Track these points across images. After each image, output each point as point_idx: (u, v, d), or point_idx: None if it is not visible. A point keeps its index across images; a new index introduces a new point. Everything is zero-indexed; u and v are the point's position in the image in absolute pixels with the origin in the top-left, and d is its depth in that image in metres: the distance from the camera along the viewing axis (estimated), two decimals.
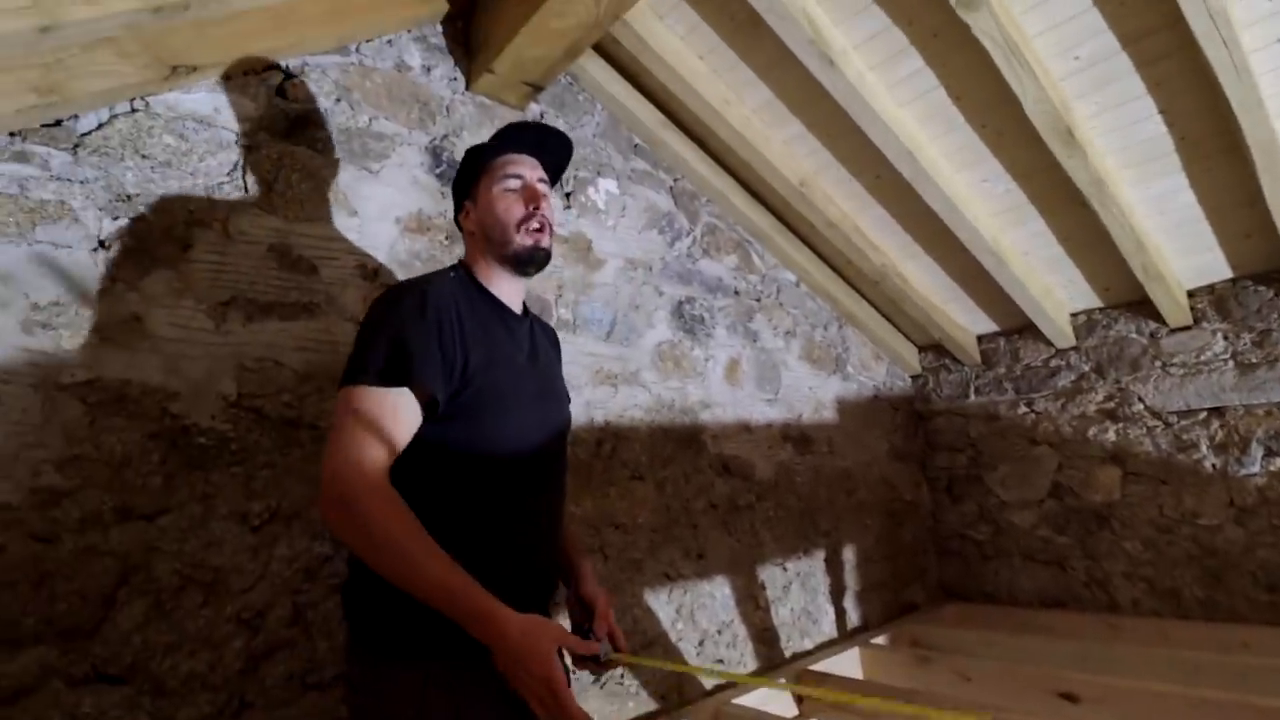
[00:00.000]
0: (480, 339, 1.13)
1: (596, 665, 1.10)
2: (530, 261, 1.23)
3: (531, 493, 1.18)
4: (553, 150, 1.31)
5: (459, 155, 1.87)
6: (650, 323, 2.29)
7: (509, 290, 1.26)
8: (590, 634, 1.18)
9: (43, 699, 1.15)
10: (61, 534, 1.20)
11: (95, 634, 1.21)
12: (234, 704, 1.33)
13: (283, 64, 1.60)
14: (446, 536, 0.98)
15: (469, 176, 1.28)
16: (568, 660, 1.10)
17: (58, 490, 1.20)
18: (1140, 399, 2.67)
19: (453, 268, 1.26)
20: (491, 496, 1.11)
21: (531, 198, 1.22)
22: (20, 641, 1.14)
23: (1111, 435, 2.74)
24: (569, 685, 0.96)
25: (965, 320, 3.08)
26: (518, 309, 1.28)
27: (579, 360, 2.03)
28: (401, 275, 1.70)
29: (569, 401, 1.37)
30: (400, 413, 1.03)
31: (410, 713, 1.01)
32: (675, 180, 2.47)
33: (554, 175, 1.33)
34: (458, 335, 1.09)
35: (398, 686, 1.02)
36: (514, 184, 1.23)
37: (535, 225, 1.21)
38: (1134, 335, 2.70)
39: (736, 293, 2.62)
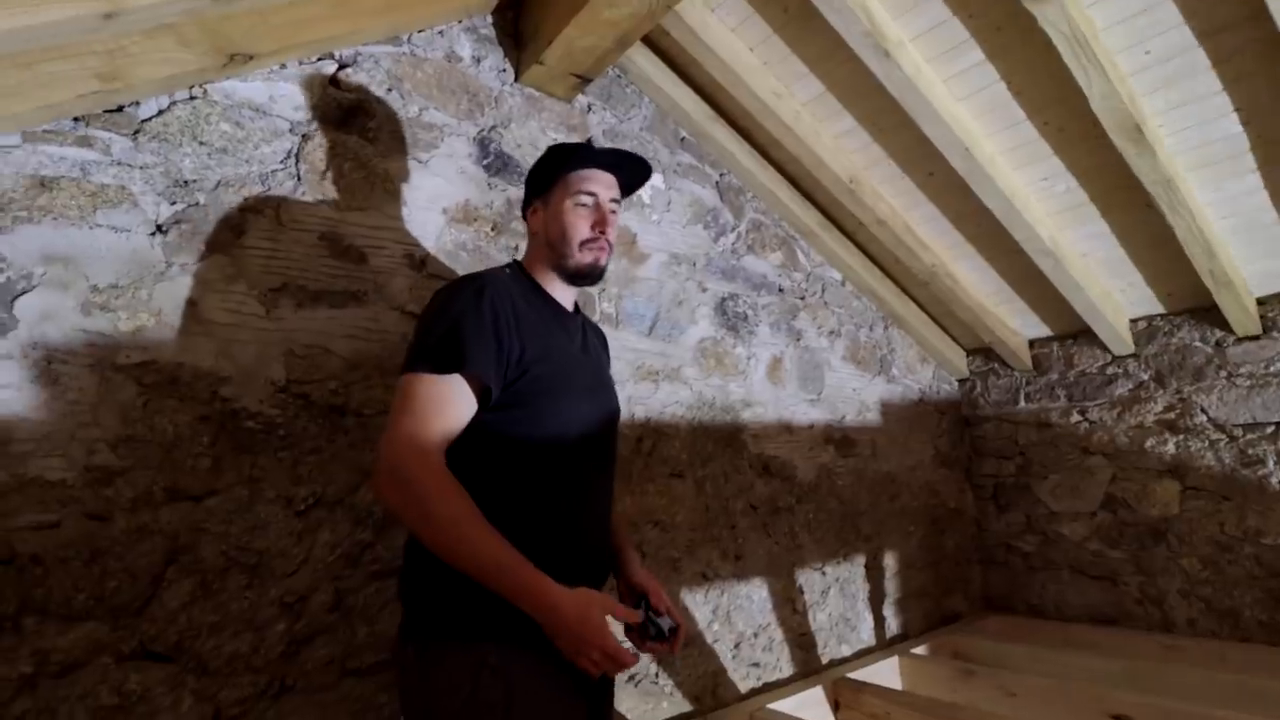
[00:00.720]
0: (535, 330, 1.17)
1: (644, 641, 1.18)
2: (585, 278, 1.29)
3: (585, 478, 1.21)
4: (630, 171, 1.34)
5: (506, 146, 1.87)
6: (693, 319, 2.26)
7: (562, 292, 1.31)
8: (648, 616, 1.19)
9: (92, 674, 1.17)
10: (114, 512, 1.22)
11: (143, 612, 1.23)
12: (275, 686, 1.34)
13: (337, 54, 1.61)
14: (502, 520, 1.02)
15: (546, 178, 1.30)
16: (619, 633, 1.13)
17: (111, 469, 1.22)
18: (1203, 410, 2.55)
19: (508, 266, 1.31)
20: (546, 481, 1.14)
21: (599, 221, 1.26)
22: (72, 617, 1.17)
23: (1171, 447, 2.62)
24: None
25: (1017, 324, 2.99)
26: (570, 308, 1.33)
27: (621, 355, 2.01)
28: (447, 265, 1.70)
29: (616, 400, 1.38)
30: (454, 398, 1.07)
31: (463, 694, 1.01)
32: (721, 175, 2.43)
33: (626, 192, 1.36)
34: (513, 326, 1.13)
35: (450, 668, 1.04)
36: (587, 200, 1.26)
37: (597, 246, 1.26)
38: (1198, 343, 2.58)
39: (780, 290, 2.58)
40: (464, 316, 1.10)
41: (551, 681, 1.06)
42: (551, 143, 1.88)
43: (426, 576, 1.10)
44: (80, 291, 1.23)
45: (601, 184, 1.28)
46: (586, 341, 1.34)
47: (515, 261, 1.34)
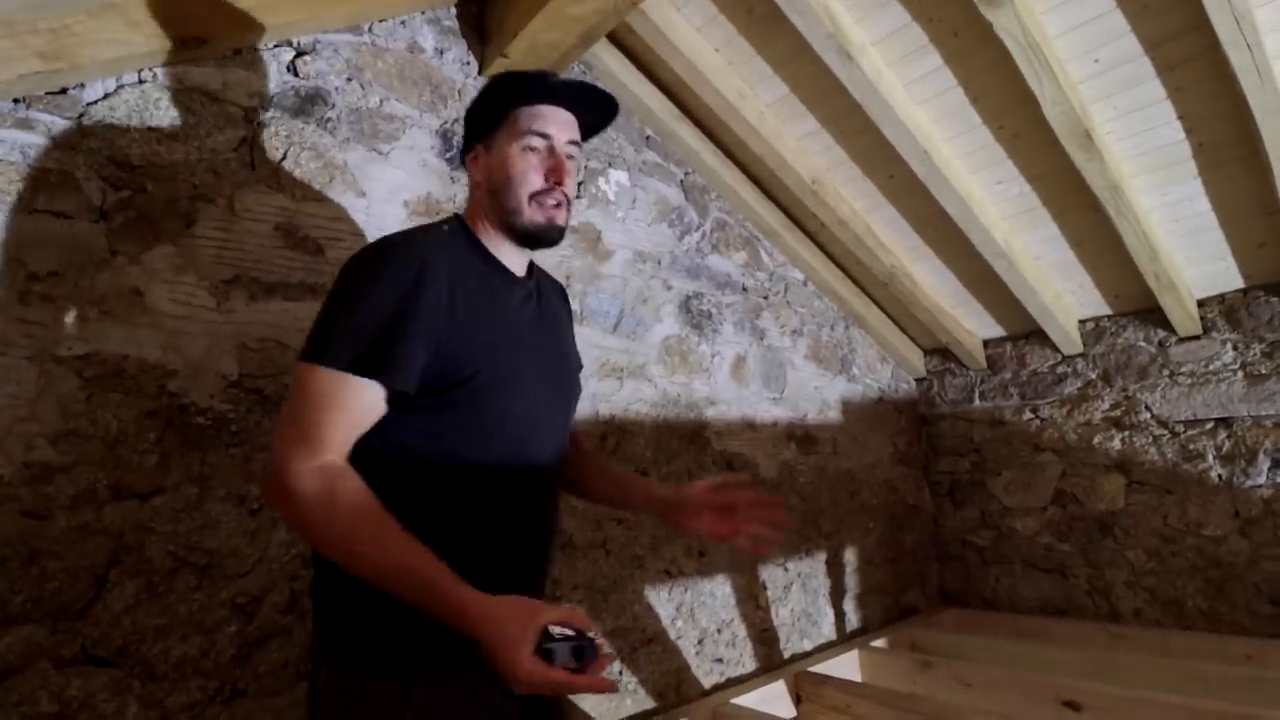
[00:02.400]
0: (478, 317, 0.98)
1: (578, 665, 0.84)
2: (539, 240, 1.05)
3: (531, 490, 1.05)
4: (593, 108, 1.09)
5: None
6: (658, 316, 2.26)
7: (510, 254, 1.08)
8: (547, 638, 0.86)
9: (30, 679, 1.12)
10: (54, 511, 1.17)
11: (85, 614, 1.18)
12: (225, 691, 1.30)
13: (295, 40, 1.57)
14: (429, 538, 0.87)
15: (489, 115, 1.06)
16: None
17: (51, 466, 1.17)
18: (1147, 408, 2.65)
19: (446, 222, 1.09)
20: (486, 494, 0.98)
21: (554, 169, 1.03)
22: (8, 620, 1.11)
23: (1117, 443, 2.72)
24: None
25: (972, 324, 3.06)
26: (521, 272, 1.11)
27: (586, 352, 1.98)
28: None
29: (580, 368, 1.24)
30: (361, 402, 0.90)
31: None
32: (686, 174, 2.44)
33: (587, 134, 1.12)
34: (449, 314, 0.94)
35: (368, 705, 0.91)
36: (538, 144, 1.03)
37: (552, 201, 1.03)
38: (1142, 343, 2.68)
39: (744, 289, 2.60)
40: (389, 301, 0.91)
41: (481, 710, 0.94)
42: None
43: (341, 590, 0.93)
44: (18, 279, 1.18)
45: (557, 123, 1.04)
46: (542, 310, 1.13)
47: (457, 216, 1.11)
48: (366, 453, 0.93)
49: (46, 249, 1.21)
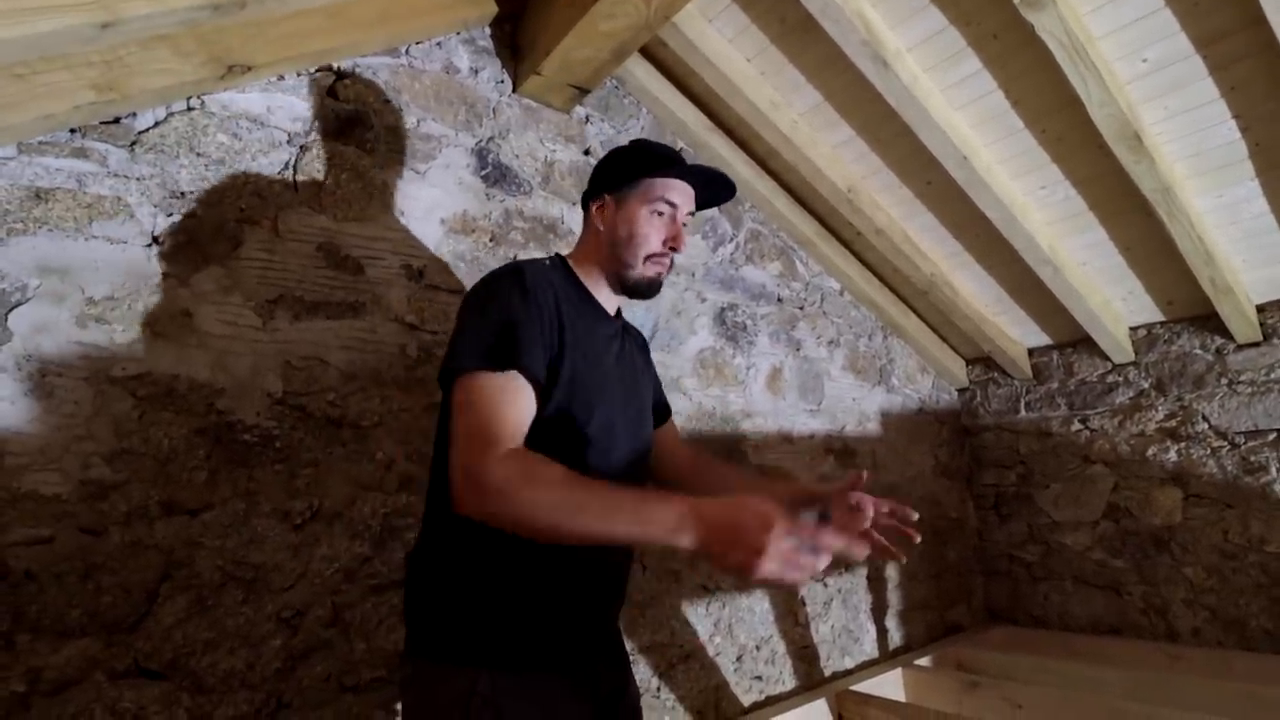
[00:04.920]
0: (575, 330, 1.09)
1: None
2: (641, 293, 1.19)
3: None
4: (710, 189, 1.23)
5: (504, 157, 1.87)
6: (692, 329, 2.25)
7: (606, 295, 1.22)
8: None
9: (85, 692, 1.15)
10: (108, 527, 1.20)
11: (138, 628, 1.21)
12: (271, 704, 1.32)
13: (335, 65, 1.61)
14: (514, 547, 0.96)
15: (625, 174, 1.19)
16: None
17: (106, 483, 1.21)
18: (1204, 418, 2.55)
19: (549, 259, 1.22)
20: None
21: (674, 236, 1.17)
22: (66, 634, 1.15)
23: (1173, 455, 2.61)
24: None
25: (1016, 333, 2.98)
26: (611, 312, 1.23)
27: None
28: (445, 277, 1.69)
29: (651, 417, 1.32)
30: (519, 395, 0.99)
31: (455, 718, 0.99)
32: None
33: (699, 207, 1.26)
34: (554, 323, 1.06)
35: (443, 692, 1.01)
36: (665, 210, 1.16)
37: (664, 263, 1.18)
38: (1198, 351, 2.58)
39: (779, 300, 2.57)
40: (511, 309, 1.02)
41: (544, 714, 1.02)
42: (548, 145, 1.88)
43: (427, 594, 1.08)
44: (75, 303, 1.22)
45: (682, 195, 1.18)
46: (624, 349, 1.24)
47: (558, 255, 1.24)
48: None
49: (101, 274, 1.25)
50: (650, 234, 1.15)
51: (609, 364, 1.16)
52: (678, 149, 2.30)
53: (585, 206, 1.24)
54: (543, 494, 0.88)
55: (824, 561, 0.80)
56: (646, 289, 1.18)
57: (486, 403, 0.96)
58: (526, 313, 1.03)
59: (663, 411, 1.41)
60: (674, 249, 1.17)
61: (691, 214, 1.21)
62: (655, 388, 1.39)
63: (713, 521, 0.82)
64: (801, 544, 0.79)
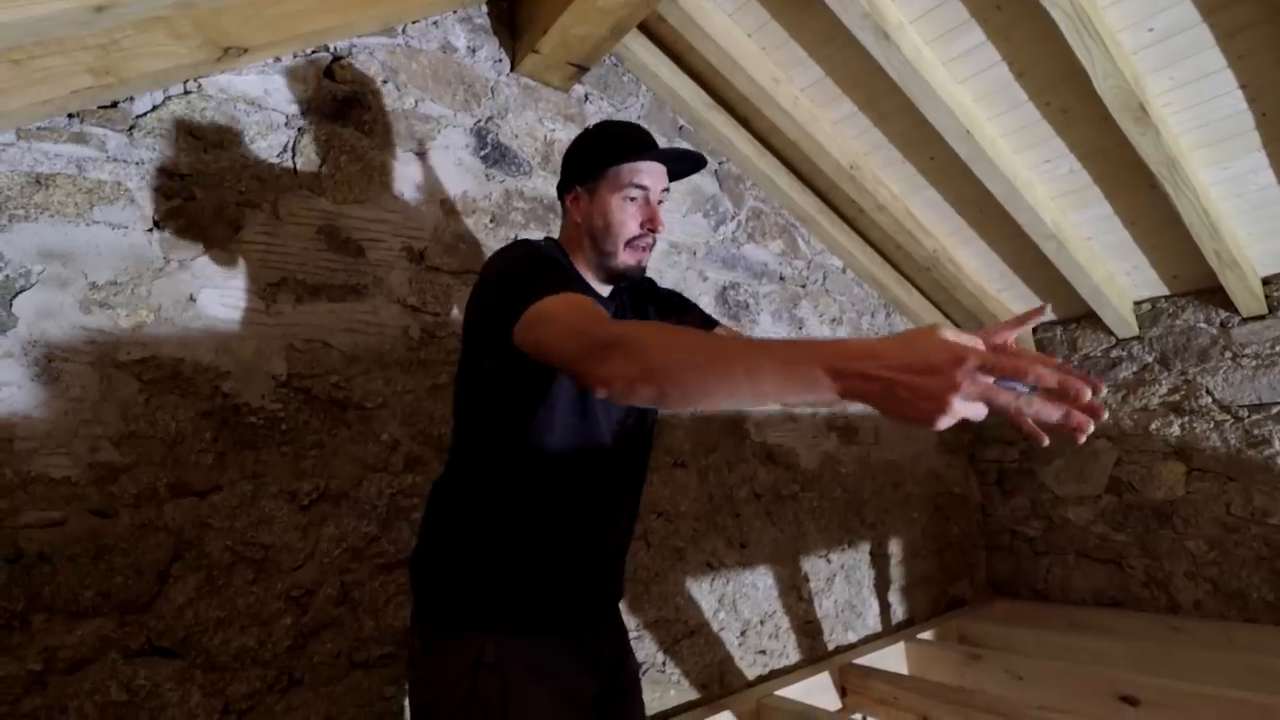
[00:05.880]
0: None
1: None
2: (624, 279, 1.19)
3: (607, 495, 1.16)
4: (681, 161, 1.22)
5: (503, 137, 1.86)
6: None
7: (597, 281, 1.21)
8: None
9: (100, 670, 1.17)
10: (118, 509, 1.22)
11: (150, 608, 1.23)
12: (283, 680, 1.35)
13: (331, 46, 1.59)
14: (515, 530, 1.01)
15: (592, 164, 1.17)
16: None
17: (114, 466, 1.22)
18: (1208, 391, 2.54)
19: (546, 241, 1.21)
20: (564, 497, 1.10)
21: (650, 218, 1.15)
22: (80, 614, 1.17)
23: (1176, 429, 2.61)
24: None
25: (1020, 308, 2.97)
26: (605, 294, 1.22)
27: None
28: (446, 258, 1.69)
29: None
30: (593, 304, 0.94)
31: (462, 690, 1.01)
32: (720, 163, 2.42)
33: (672, 179, 1.23)
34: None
35: (450, 662, 1.03)
36: (636, 194, 1.15)
37: (643, 245, 1.16)
38: (1203, 325, 2.57)
39: (782, 278, 2.57)
40: (547, 266, 1.05)
41: (550, 681, 1.04)
42: (549, 129, 1.87)
43: (434, 565, 1.11)
44: (79, 289, 1.23)
45: (652, 175, 1.16)
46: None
47: (553, 239, 1.23)
48: (486, 439, 1.07)
49: (103, 259, 1.26)
50: (625, 220, 1.14)
51: None
52: (678, 127, 2.30)
53: (560, 198, 1.24)
54: (675, 337, 0.80)
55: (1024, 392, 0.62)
56: (629, 275, 1.17)
57: (572, 304, 0.92)
58: (560, 269, 1.07)
59: (710, 325, 1.36)
60: (652, 230, 1.15)
61: (666, 190, 1.19)
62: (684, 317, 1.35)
63: (890, 360, 0.64)
64: (1001, 381, 0.62)
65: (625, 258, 1.15)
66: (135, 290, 1.28)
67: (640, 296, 1.34)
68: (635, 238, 1.15)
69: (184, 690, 1.24)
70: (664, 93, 2.24)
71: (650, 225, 1.15)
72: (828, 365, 0.66)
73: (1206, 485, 2.53)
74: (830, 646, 2.44)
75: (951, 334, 0.64)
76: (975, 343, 0.64)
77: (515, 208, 1.85)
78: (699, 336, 0.80)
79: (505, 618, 1.05)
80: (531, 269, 1.04)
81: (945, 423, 0.62)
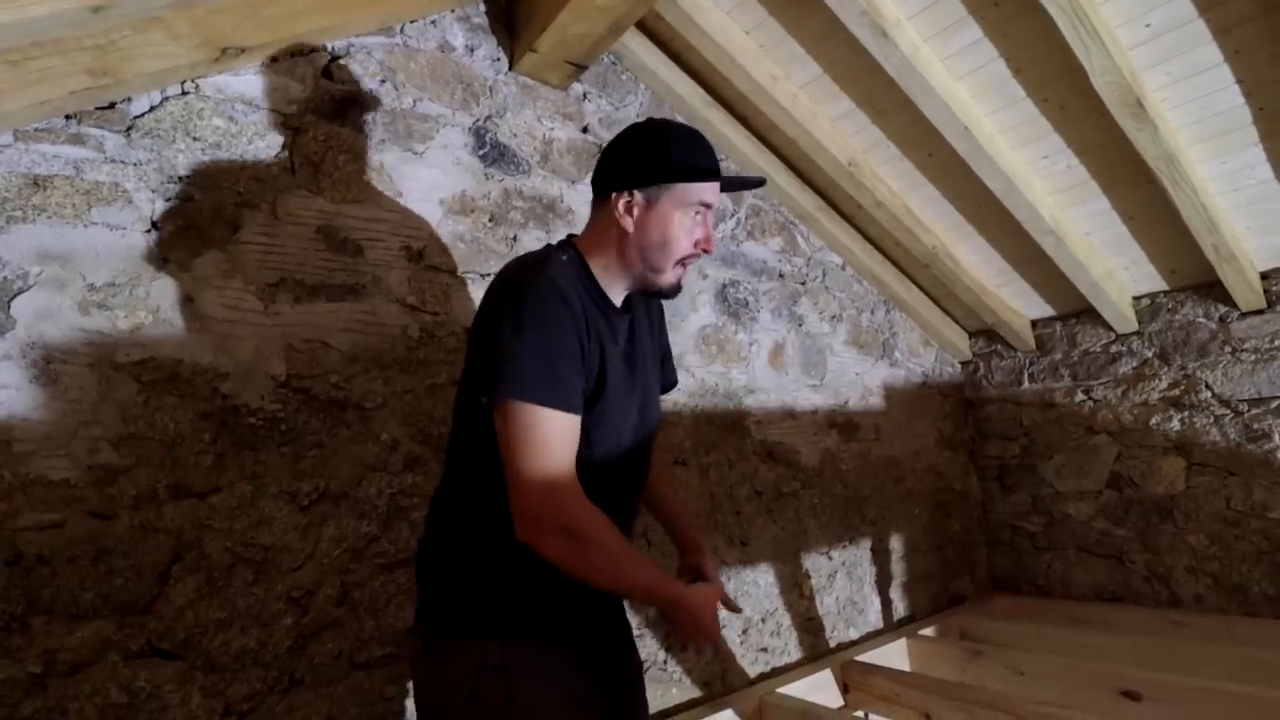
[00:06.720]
0: (603, 351, 1.07)
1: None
2: (661, 295, 1.16)
3: (615, 505, 1.13)
4: (736, 188, 1.23)
5: (502, 136, 1.86)
6: (694, 306, 2.25)
7: (618, 291, 1.16)
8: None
9: (101, 672, 1.17)
10: (118, 511, 1.22)
11: (150, 609, 1.23)
12: (284, 681, 1.34)
13: (329, 46, 1.59)
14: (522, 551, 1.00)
15: (657, 172, 1.09)
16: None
17: (114, 468, 1.22)
18: (1208, 386, 2.54)
19: (562, 249, 1.14)
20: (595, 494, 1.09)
21: (705, 237, 1.13)
22: (80, 616, 1.17)
23: (1176, 424, 2.61)
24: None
25: (1019, 304, 2.97)
26: (619, 303, 1.18)
27: None
28: (445, 257, 1.69)
29: (669, 370, 1.39)
30: (572, 435, 1.00)
31: (465, 691, 1.01)
32: (719, 161, 2.41)
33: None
34: (588, 349, 1.04)
35: (454, 664, 1.03)
36: (701, 213, 1.11)
37: (689, 263, 1.14)
38: (1202, 319, 2.57)
39: (781, 276, 2.57)
40: (554, 332, 0.99)
41: (554, 683, 1.04)
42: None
43: (438, 567, 1.10)
44: (77, 290, 1.23)
45: (714, 192, 1.12)
46: (634, 335, 1.19)
47: (573, 248, 1.15)
48: (490, 443, 1.03)
49: (101, 260, 1.26)
50: (682, 238, 1.10)
51: (620, 367, 1.14)
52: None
53: (602, 193, 1.14)
54: (593, 554, 0.98)
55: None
56: (669, 292, 1.15)
57: (544, 443, 0.97)
58: (568, 331, 1.00)
59: (668, 382, 1.39)
60: (706, 250, 1.13)
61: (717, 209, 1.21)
62: (664, 353, 1.38)
63: (687, 608, 1.08)
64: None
65: (671, 275, 1.12)
66: (133, 291, 1.28)
67: (656, 308, 1.33)
68: (687, 256, 1.12)
69: (184, 692, 1.24)
70: (662, 90, 2.24)
71: (705, 245, 1.12)
72: (665, 604, 1.08)
73: (1207, 480, 2.53)
74: (832, 644, 2.44)
75: (712, 592, 1.15)
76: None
77: (514, 206, 1.85)
78: (624, 554, 1.02)
79: (513, 624, 1.04)
80: (538, 342, 0.98)
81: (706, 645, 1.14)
